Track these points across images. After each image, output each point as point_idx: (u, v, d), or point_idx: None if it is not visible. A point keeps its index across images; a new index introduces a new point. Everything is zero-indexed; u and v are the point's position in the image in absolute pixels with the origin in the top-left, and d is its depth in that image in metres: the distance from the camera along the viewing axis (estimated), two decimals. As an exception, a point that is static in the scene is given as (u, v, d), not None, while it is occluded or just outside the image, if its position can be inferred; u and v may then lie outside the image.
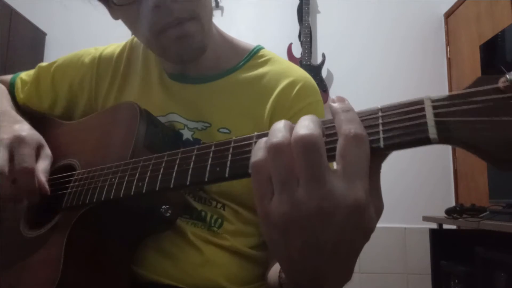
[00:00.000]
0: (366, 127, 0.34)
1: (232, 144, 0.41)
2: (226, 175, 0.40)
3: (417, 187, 2.84)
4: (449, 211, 1.99)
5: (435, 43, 3.04)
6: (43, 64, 0.83)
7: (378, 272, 2.76)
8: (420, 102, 0.33)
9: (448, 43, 3.00)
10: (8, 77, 0.86)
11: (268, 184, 0.33)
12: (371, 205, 0.33)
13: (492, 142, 0.30)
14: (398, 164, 2.81)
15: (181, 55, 0.65)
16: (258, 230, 0.69)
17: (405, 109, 0.33)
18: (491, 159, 0.30)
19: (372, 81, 2.95)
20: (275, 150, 0.32)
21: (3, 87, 0.83)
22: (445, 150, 2.90)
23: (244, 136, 0.40)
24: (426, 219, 2.26)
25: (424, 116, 0.32)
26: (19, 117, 0.73)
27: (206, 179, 0.41)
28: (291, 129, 0.33)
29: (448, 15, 3.01)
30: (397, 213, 2.76)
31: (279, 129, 0.33)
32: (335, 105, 0.35)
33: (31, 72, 0.84)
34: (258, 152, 0.34)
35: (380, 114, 0.34)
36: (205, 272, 0.63)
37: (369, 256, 2.73)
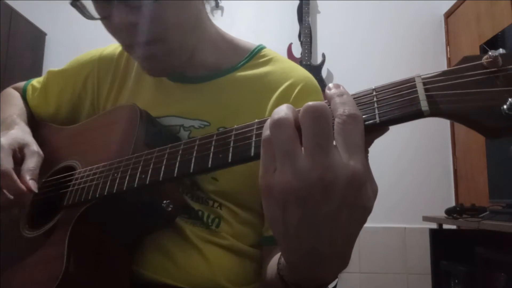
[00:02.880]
0: (361, 105, 0.36)
1: (234, 132, 0.42)
2: (229, 160, 0.41)
3: (417, 187, 2.84)
4: (449, 211, 1.99)
5: (435, 43, 3.04)
6: (53, 69, 0.85)
7: (378, 272, 2.76)
8: (411, 80, 0.36)
9: (448, 43, 3.00)
10: (22, 84, 0.87)
11: (272, 159, 0.34)
12: (368, 182, 0.34)
13: (479, 111, 0.33)
14: (398, 164, 2.81)
15: (151, 72, 0.67)
16: (256, 231, 0.69)
17: (398, 87, 0.36)
18: (479, 127, 0.33)
19: (372, 81, 2.90)
20: (277, 124, 0.34)
21: (15, 93, 0.85)
22: (445, 150, 2.90)
23: (246, 124, 0.42)
24: (426, 219, 2.26)
25: (415, 92, 0.35)
26: (17, 122, 0.73)
27: (209, 166, 0.43)
28: (293, 110, 0.36)
29: (448, 15, 3.01)
30: (397, 213, 2.76)
31: (281, 109, 0.35)
32: (331, 91, 0.37)
33: (41, 78, 0.86)
34: (265, 130, 0.36)
35: (374, 93, 0.37)
36: (205, 272, 0.63)
37: (369, 256, 2.73)
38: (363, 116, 0.35)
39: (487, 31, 2.44)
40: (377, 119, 0.35)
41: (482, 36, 2.48)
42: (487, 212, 1.82)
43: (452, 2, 2.92)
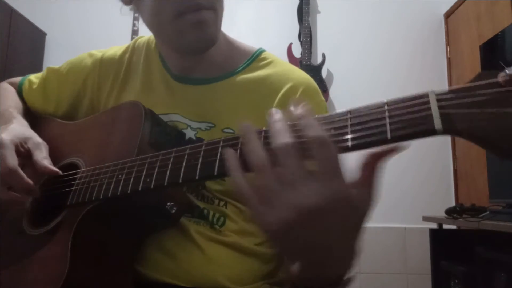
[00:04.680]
0: (372, 120, 0.36)
1: (241, 140, 0.42)
2: None
3: (417, 187, 2.84)
4: (449, 211, 1.99)
5: (435, 43, 3.04)
6: (52, 66, 0.85)
7: (378, 272, 2.76)
8: (424, 95, 0.35)
9: (448, 43, 3.00)
10: (17, 79, 0.88)
11: (275, 182, 0.36)
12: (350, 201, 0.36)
13: (493, 132, 0.32)
14: (398, 164, 2.81)
15: (194, 42, 0.66)
16: None
17: (410, 103, 0.35)
18: (492, 148, 0.32)
19: (372, 81, 2.94)
20: (284, 150, 0.35)
21: (10, 88, 0.85)
22: (445, 150, 2.90)
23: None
24: (426, 219, 2.26)
25: (429, 109, 0.34)
26: (15, 116, 0.74)
27: (215, 173, 0.43)
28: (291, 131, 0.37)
29: (448, 15, 3.01)
30: (397, 213, 2.76)
31: (280, 131, 0.37)
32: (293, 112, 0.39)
33: (40, 74, 0.86)
34: (257, 153, 0.37)
35: (386, 107, 0.36)
36: (207, 272, 0.63)
37: (369, 256, 2.73)
38: (374, 131, 0.35)
39: (487, 31, 2.43)
40: (388, 135, 0.35)
41: (482, 36, 2.48)
42: (487, 212, 1.82)
43: (452, 2, 2.92)
